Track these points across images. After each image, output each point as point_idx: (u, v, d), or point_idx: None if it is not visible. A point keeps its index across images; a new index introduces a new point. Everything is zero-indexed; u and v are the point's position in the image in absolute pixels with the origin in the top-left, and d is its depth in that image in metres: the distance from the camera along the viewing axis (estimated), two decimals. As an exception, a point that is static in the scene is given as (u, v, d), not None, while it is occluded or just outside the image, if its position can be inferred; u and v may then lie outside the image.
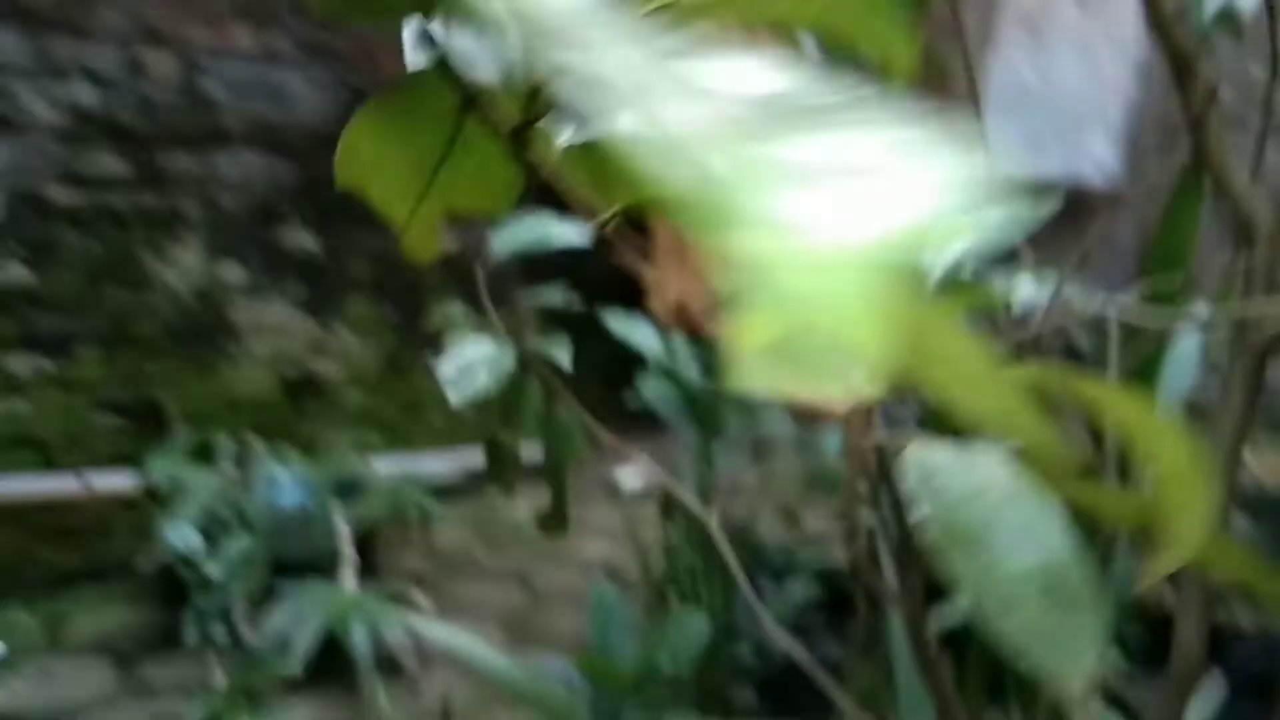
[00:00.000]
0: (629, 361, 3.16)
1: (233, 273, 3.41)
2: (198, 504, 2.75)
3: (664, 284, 4.30)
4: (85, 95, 2.98)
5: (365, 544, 3.10)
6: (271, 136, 3.44)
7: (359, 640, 2.68)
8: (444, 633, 2.27)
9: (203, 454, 3.00)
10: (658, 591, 2.53)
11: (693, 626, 1.64)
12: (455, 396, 1.30)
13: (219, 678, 2.40)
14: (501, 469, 1.49)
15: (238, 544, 2.59)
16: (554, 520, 1.46)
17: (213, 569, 2.49)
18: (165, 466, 2.84)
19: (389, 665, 2.78)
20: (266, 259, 3.50)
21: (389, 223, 0.68)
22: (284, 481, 2.94)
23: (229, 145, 3.33)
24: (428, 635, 2.51)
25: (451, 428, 4.24)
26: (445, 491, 3.61)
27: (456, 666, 2.88)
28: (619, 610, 1.74)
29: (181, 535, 2.57)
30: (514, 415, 1.43)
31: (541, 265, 4.62)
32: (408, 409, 4.10)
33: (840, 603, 2.43)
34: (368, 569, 3.06)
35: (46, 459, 3.01)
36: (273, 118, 3.44)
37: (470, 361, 1.28)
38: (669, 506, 2.33)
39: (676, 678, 1.67)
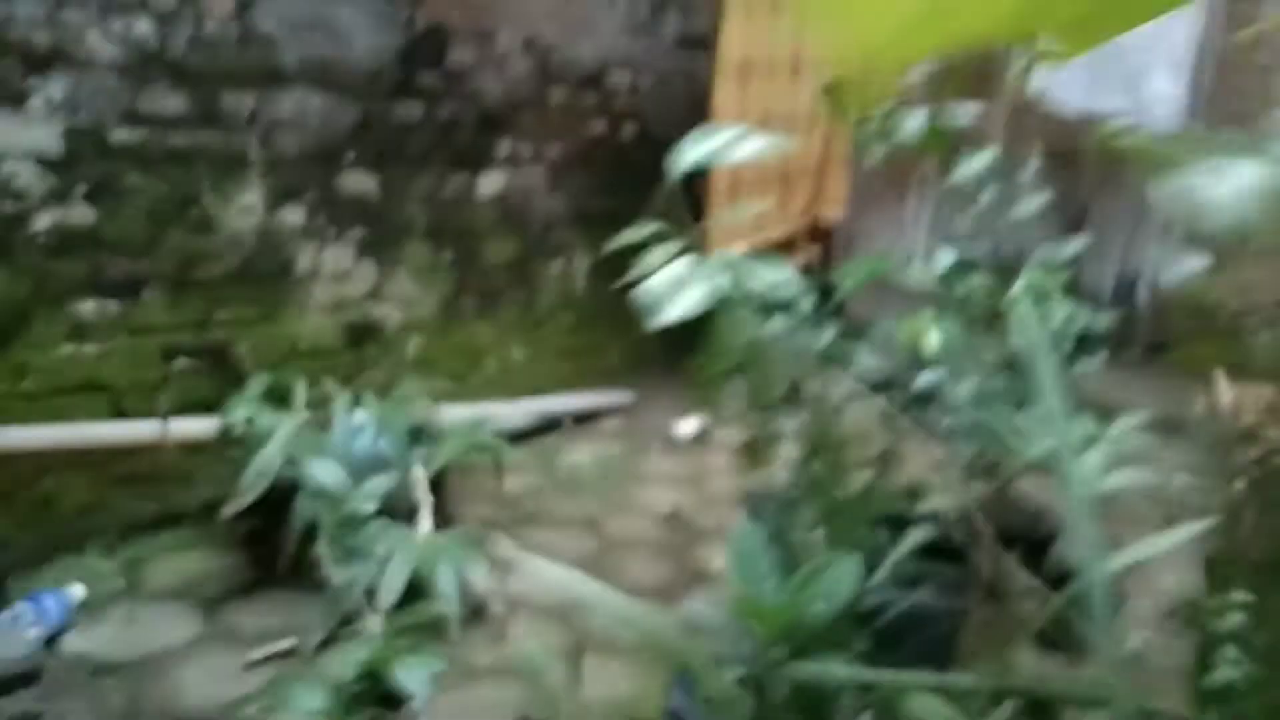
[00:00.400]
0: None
1: (294, 215, 3.33)
2: (276, 449, 2.69)
3: (725, 237, 4.22)
4: (143, 30, 2.88)
5: (435, 490, 3.05)
6: (329, 75, 3.34)
7: (445, 584, 2.63)
8: (561, 575, 2.22)
9: (277, 398, 2.93)
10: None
11: (846, 571, 1.59)
12: (658, 319, 1.23)
13: (371, 624, 2.35)
14: (707, 395, 1.43)
15: (381, 480, 2.54)
16: (756, 452, 1.39)
17: (361, 503, 2.44)
18: (243, 411, 2.78)
19: (474, 612, 2.74)
20: (326, 202, 3.42)
21: (845, 63, 0.61)
22: (363, 426, 2.89)
23: (287, 84, 3.23)
24: (543, 578, 2.46)
25: (506, 375, 4.18)
26: (507, 439, 3.56)
27: (543, 612, 2.84)
28: (763, 554, 1.68)
29: (329, 471, 2.52)
30: (716, 343, 1.36)
31: (591, 214, 4.52)
32: (465, 355, 4.04)
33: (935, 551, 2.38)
34: (439, 516, 3.00)
35: (116, 404, 2.94)
36: (330, 55, 3.34)
37: (672, 282, 1.21)
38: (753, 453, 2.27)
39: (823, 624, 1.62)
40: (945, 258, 3.04)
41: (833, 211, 4.84)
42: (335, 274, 3.51)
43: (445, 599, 2.48)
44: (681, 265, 1.22)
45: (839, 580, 1.59)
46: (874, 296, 4.68)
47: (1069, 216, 5.12)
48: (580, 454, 3.99)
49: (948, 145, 2.08)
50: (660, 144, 4.93)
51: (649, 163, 4.82)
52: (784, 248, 4.61)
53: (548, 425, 4.14)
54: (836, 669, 1.58)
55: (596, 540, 3.33)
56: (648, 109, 4.58)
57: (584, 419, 4.26)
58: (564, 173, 4.26)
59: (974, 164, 2.15)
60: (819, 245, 4.84)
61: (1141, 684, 2.74)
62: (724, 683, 2.00)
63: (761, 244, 4.45)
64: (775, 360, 1.29)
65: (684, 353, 5.07)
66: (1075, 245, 2.16)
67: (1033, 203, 2.19)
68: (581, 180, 4.33)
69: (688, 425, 4.22)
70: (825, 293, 3.08)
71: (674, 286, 1.18)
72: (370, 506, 2.45)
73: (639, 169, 4.63)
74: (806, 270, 4.69)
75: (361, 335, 3.64)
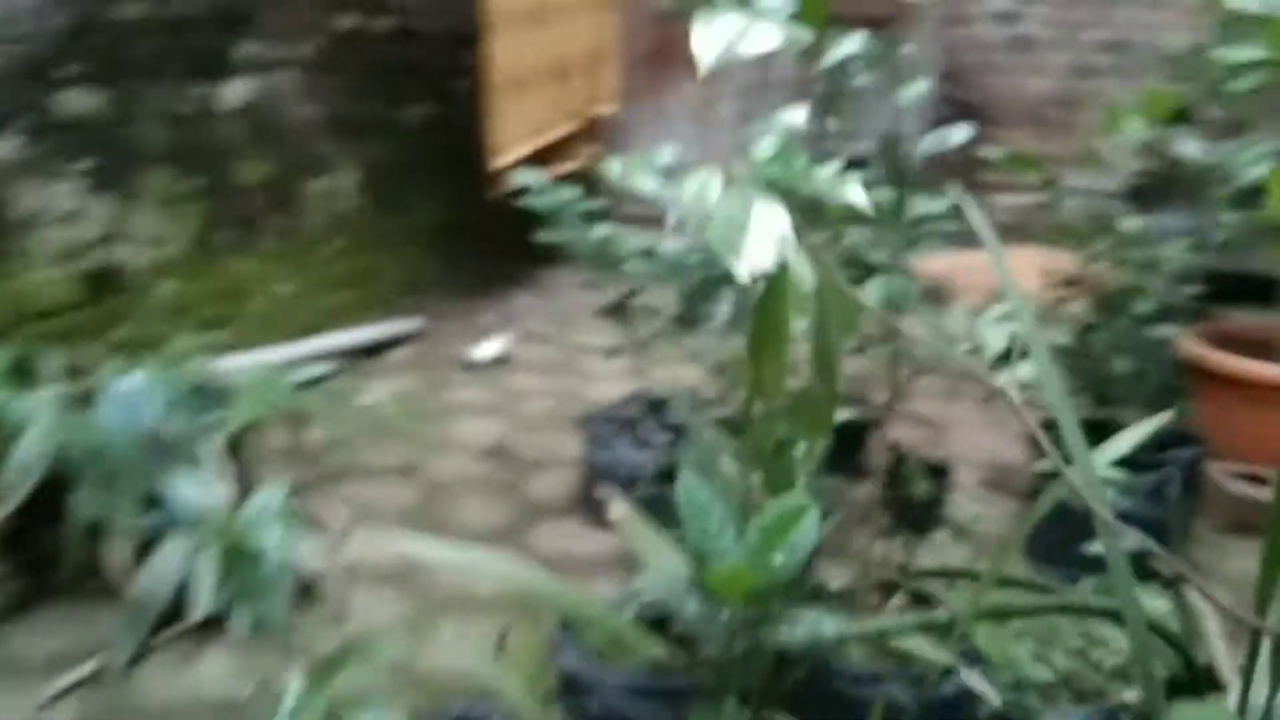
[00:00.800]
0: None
1: (2, 147, 2.73)
2: (39, 436, 2.20)
3: (507, 139, 3.87)
4: None
5: (229, 458, 2.64)
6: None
7: (273, 569, 2.27)
8: (447, 553, 1.93)
9: (20, 374, 2.41)
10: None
11: (810, 520, 1.39)
12: (733, 272, 0.92)
13: (283, 669, 1.93)
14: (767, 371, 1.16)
15: (271, 494, 2.10)
16: (817, 416, 1.15)
17: (257, 532, 1.99)
18: (-17, 395, 2.26)
19: (305, 592, 2.39)
20: (42, 127, 2.82)
21: None
22: (139, 396, 2.42)
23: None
24: (426, 558, 2.15)
25: (276, 313, 3.72)
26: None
27: (380, 579, 2.52)
28: (715, 506, 1.46)
29: (199, 490, 2.05)
30: (774, 304, 1.09)
31: (354, 122, 4.04)
32: (226, 296, 3.53)
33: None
34: (240, 487, 2.59)
35: None
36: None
37: (730, 224, 0.90)
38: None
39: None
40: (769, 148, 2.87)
41: (607, 106, 4.59)
42: (63, 215, 2.93)
43: (275, 586, 2.12)
44: (732, 200, 0.93)
45: (804, 531, 1.40)
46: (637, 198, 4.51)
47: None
48: (377, 392, 3.61)
49: (825, 15, 1.87)
50: (422, 38, 4.49)
51: (411, 59, 4.39)
52: (565, 147, 4.33)
53: (333, 365, 3.72)
54: (825, 626, 1.41)
55: (418, 487, 3.02)
56: (407, -2, 4.12)
57: (372, 353, 3.87)
58: (318, 75, 3.76)
59: (847, 46, 1.96)
60: (597, 143, 4.59)
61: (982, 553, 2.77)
62: (620, 628, 1.80)
63: (545, 145, 4.16)
64: (851, 303, 1.04)
65: (467, 271, 4.71)
66: (961, 133, 2.01)
67: (917, 88, 2.02)
68: (338, 83, 3.85)
69: (486, 348, 3.92)
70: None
71: (734, 230, 0.90)
72: (274, 537, 2.04)
73: (401, 67, 4.19)
74: (588, 172, 4.43)
75: (103, 285, 3.08)
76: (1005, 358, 1.75)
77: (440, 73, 4.23)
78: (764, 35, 0.94)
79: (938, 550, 2.87)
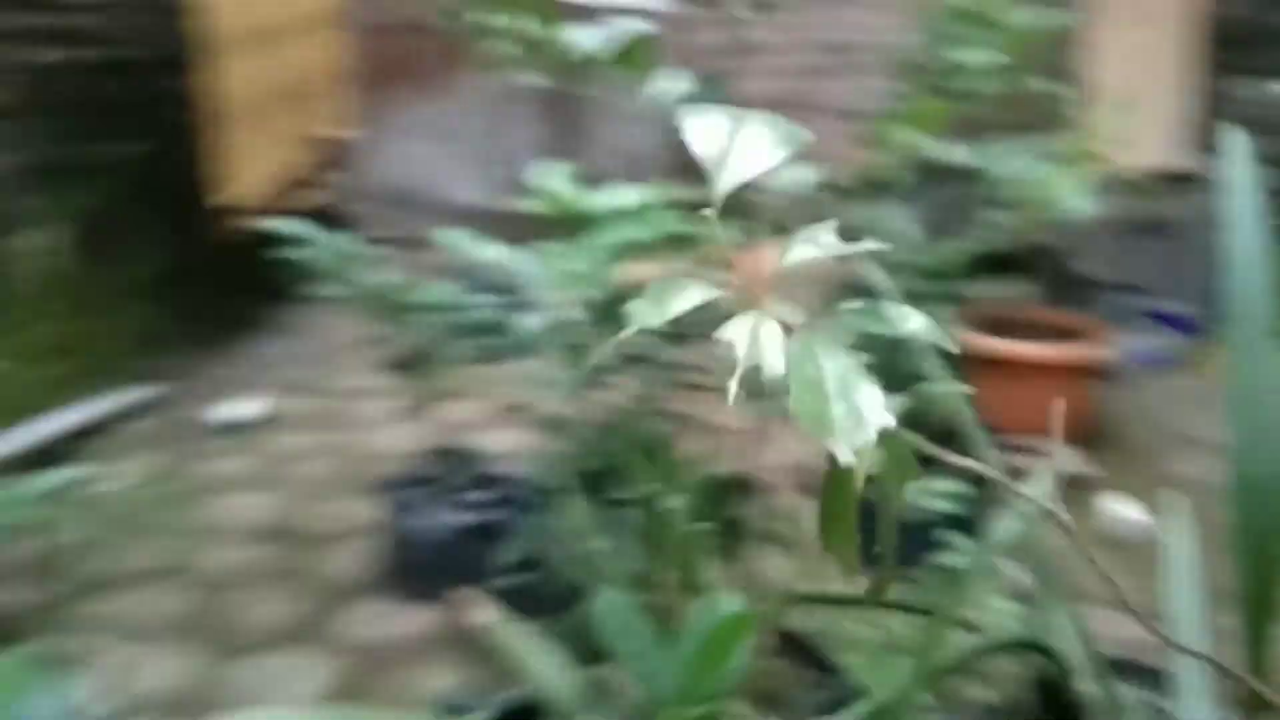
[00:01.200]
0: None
1: None
2: None
3: (238, 173, 3.46)
4: None
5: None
6: None
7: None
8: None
9: None
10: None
11: (746, 629, 1.24)
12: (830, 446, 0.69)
13: None
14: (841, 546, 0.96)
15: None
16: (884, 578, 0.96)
17: None
18: None
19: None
20: None
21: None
22: None
23: None
24: None
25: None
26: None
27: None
28: (639, 622, 1.28)
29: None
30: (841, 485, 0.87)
31: (59, 167, 3.55)
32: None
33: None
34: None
35: None
36: None
37: (808, 383, 0.68)
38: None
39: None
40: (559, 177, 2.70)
41: (346, 129, 4.24)
42: None
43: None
44: (810, 363, 0.69)
45: (739, 637, 1.24)
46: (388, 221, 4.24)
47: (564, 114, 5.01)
48: (121, 477, 3.14)
49: (647, 65, 1.71)
50: (135, 67, 3.99)
51: (122, 93, 3.86)
52: (305, 176, 3.96)
53: (57, 451, 3.21)
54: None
55: (191, 588, 2.62)
56: (112, 24, 3.60)
57: (106, 428, 3.37)
58: (16, 119, 3.22)
59: (674, 85, 1.80)
60: (338, 169, 4.23)
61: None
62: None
63: (284, 175, 3.78)
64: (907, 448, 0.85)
65: (205, 321, 4.24)
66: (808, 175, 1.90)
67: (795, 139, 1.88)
68: (41, 126, 3.32)
69: (241, 407, 3.51)
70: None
71: (823, 403, 0.66)
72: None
73: (110, 102, 3.69)
74: (333, 203, 4.08)
75: None
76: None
77: (155, 105, 3.74)
78: (761, 146, 0.75)
79: (759, 564, 2.81)
